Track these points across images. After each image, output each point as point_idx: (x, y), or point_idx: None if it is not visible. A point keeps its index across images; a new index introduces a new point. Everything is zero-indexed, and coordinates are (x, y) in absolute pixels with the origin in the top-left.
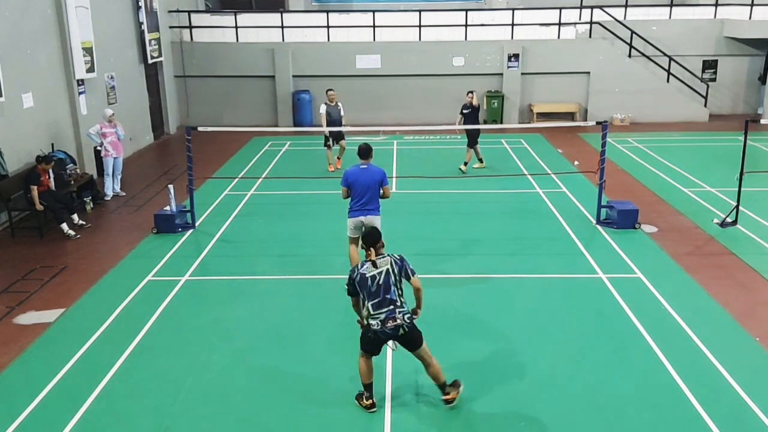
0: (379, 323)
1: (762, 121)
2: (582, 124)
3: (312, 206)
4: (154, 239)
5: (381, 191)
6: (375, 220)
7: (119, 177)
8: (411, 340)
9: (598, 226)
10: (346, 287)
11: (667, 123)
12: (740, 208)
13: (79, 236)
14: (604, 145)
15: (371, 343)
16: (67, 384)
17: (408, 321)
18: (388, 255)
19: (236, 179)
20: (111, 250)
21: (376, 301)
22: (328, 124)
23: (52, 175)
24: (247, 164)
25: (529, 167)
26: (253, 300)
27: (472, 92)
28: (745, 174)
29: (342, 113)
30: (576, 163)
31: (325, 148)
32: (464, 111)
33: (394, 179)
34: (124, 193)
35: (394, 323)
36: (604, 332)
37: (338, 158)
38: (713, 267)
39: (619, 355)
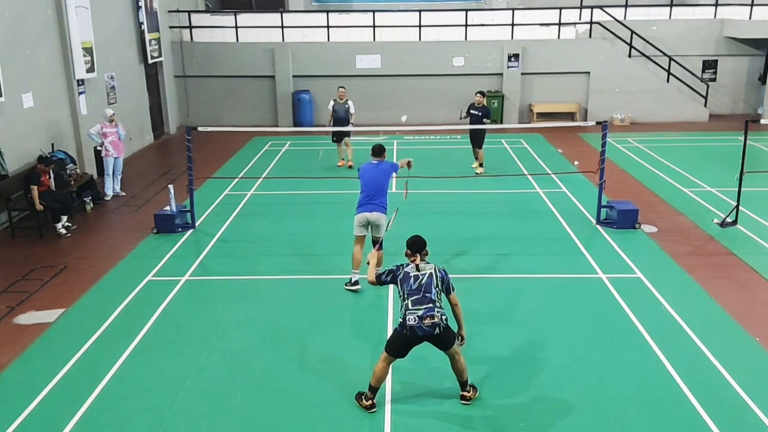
0: (417, 318)
1: (762, 121)
2: (582, 124)
3: (312, 206)
4: (154, 239)
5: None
6: (380, 218)
7: (119, 177)
8: (445, 340)
9: (598, 226)
10: (380, 275)
11: (667, 123)
12: (740, 208)
13: (69, 235)
14: (604, 145)
15: (404, 343)
16: (66, 384)
17: (444, 321)
18: (433, 264)
19: (236, 179)
20: (111, 250)
21: (416, 297)
22: (334, 121)
23: (52, 176)
24: (247, 164)
25: (529, 167)
26: (252, 300)
27: (482, 93)
28: (745, 174)
29: (351, 111)
30: (576, 163)
31: (334, 144)
32: (471, 111)
33: (394, 179)
34: (124, 193)
35: (432, 321)
36: (604, 332)
37: (349, 159)
38: (713, 267)
39: (619, 355)
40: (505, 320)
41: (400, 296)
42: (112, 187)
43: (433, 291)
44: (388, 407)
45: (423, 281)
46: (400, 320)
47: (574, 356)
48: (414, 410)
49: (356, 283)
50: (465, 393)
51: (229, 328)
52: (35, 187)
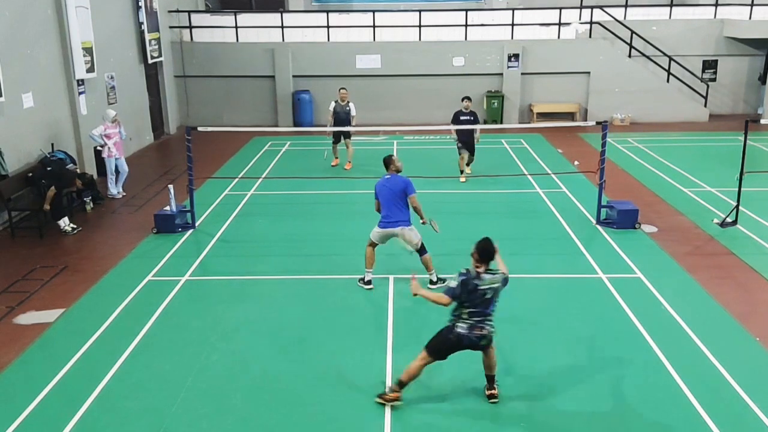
0: (468, 328)
1: (762, 121)
2: (582, 124)
3: (312, 206)
4: (154, 239)
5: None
6: (406, 232)
7: (124, 177)
8: (484, 348)
9: (598, 226)
10: (454, 291)
11: (667, 123)
12: (740, 208)
13: (74, 233)
14: (604, 145)
15: (448, 348)
16: (66, 384)
17: (492, 332)
18: (499, 273)
19: (236, 179)
20: (111, 250)
21: (475, 311)
22: (335, 123)
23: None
24: (247, 164)
25: (529, 167)
26: (253, 300)
27: (469, 98)
28: (745, 174)
29: (352, 114)
30: (576, 163)
31: (332, 143)
32: (461, 118)
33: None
34: (125, 193)
35: (480, 332)
36: (604, 332)
37: (348, 159)
38: (713, 267)
39: (618, 355)
40: (505, 320)
41: (458, 301)
42: (116, 187)
43: (492, 306)
44: (388, 407)
45: (488, 296)
46: (449, 324)
47: (574, 356)
48: (414, 410)
49: (369, 282)
50: (491, 391)
51: (229, 328)
52: (53, 188)
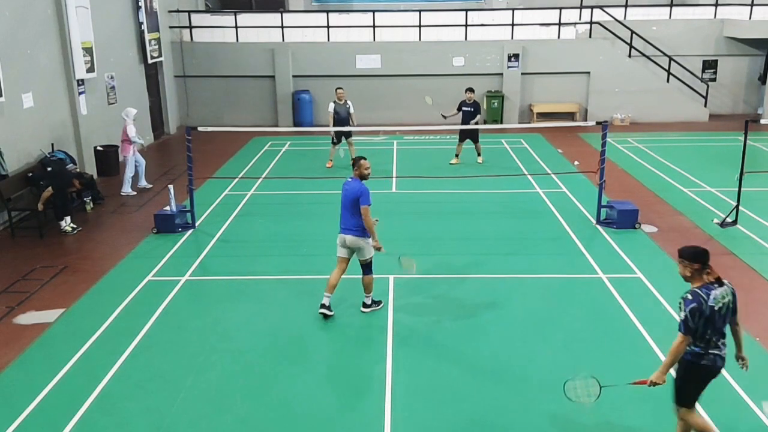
0: (722, 358)
1: (762, 121)
2: (582, 124)
3: (312, 206)
4: (154, 239)
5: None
6: (357, 242)
7: (144, 168)
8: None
9: (598, 226)
10: (686, 325)
11: (667, 123)
12: (740, 208)
13: (75, 233)
14: (604, 145)
15: (708, 376)
16: (67, 384)
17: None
18: (725, 283)
19: (236, 179)
20: (111, 250)
21: (719, 335)
22: (335, 122)
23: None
24: (247, 164)
25: (529, 167)
26: (252, 300)
27: (471, 89)
28: (745, 174)
29: (351, 111)
30: (576, 163)
31: (331, 144)
32: (464, 108)
33: (394, 179)
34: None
35: (724, 354)
36: (603, 332)
37: (352, 158)
38: (713, 267)
39: (618, 355)
40: (505, 320)
41: (699, 332)
42: (131, 181)
43: (727, 321)
44: (388, 407)
45: (723, 313)
46: (700, 352)
47: (574, 356)
48: (414, 410)
49: (329, 308)
50: None
51: (229, 328)
52: (50, 188)
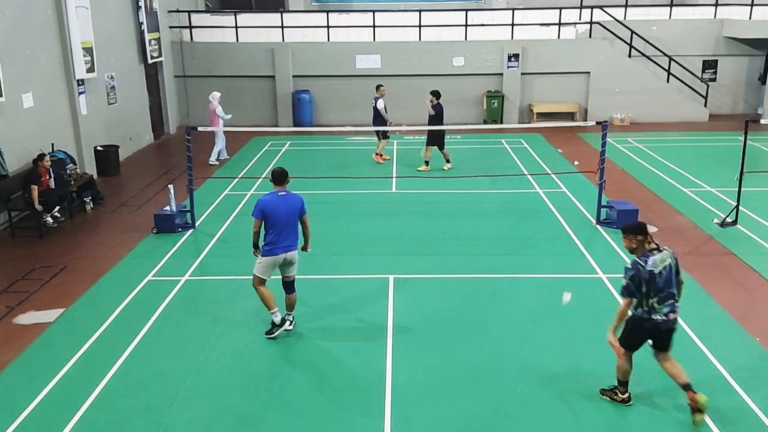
0: (663, 316)
1: (762, 121)
2: (582, 124)
3: (311, 206)
4: (154, 239)
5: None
6: (295, 256)
7: (224, 144)
8: (671, 337)
9: (598, 226)
10: (626, 287)
11: (667, 123)
12: (740, 208)
13: (56, 225)
14: (604, 145)
15: (644, 338)
16: (67, 384)
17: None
18: (664, 249)
19: (236, 179)
20: (111, 250)
21: (661, 296)
22: (374, 117)
23: (52, 175)
24: (247, 164)
25: (529, 167)
26: (252, 300)
27: (433, 93)
28: (745, 174)
29: (380, 106)
30: (576, 163)
31: (383, 140)
32: (432, 112)
33: (394, 179)
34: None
35: (675, 315)
36: (603, 332)
37: (378, 154)
38: (713, 267)
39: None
40: (505, 320)
41: (641, 294)
42: (218, 153)
43: (673, 283)
44: (388, 407)
45: (666, 276)
46: (642, 317)
47: (574, 356)
48: (414, 409)
49: (282, 322)
50: (693, 398)
51: (228, 328)
52: (35, 187)
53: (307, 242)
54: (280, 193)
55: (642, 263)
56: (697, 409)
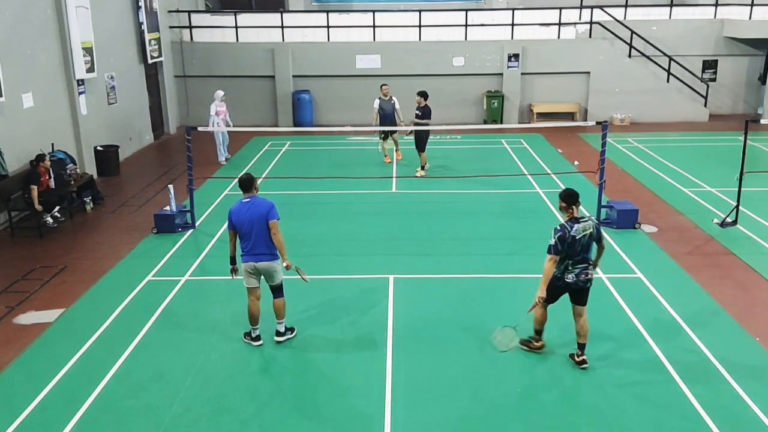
0: (574, 276)
1: (762, 121)
2: (582, 124)
3: (312, 206)
4: (154, 239)
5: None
6: (270, 266)
7: (227, 145)
8: (586, 294)
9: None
10: (554, 246)
11: (667, 123)
12: (740, 208)
13: (56, 225)
14: (604, 145)
15: (559, 293)
16: (67, 384)
17: (593, 276)
18: (589, 217)
19: (236, 179)
20: (111, 250)
21: (576, 258)
22: (381, 119)
23: (52, 175)
24: (247, 164)
25: (529, 167)
26: None
27: (420, 94)
28: (745, 174)
29: (397, 107)
30: (576, 163)
31: (381, 140)
32: (417, 112)
33: (394, 179)
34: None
35: (586, 277)
36: (603, 332)
37: (396, 150)
38: (713, 267)
39: (618, 355)
40: (505, 320)
41: (562, 255)
42: (224, 154)
43: (590, 250)
44: (388, 407)
45: (584, 242)
46: (558, 275)
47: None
48: (414, 409)
49: (258, 338)
50: (580, 358)
51: (228, 328)
52: (35, 187)
53: (282, 254)
54: (244, 200)
55: (569, 227)
56: (577, 363)
